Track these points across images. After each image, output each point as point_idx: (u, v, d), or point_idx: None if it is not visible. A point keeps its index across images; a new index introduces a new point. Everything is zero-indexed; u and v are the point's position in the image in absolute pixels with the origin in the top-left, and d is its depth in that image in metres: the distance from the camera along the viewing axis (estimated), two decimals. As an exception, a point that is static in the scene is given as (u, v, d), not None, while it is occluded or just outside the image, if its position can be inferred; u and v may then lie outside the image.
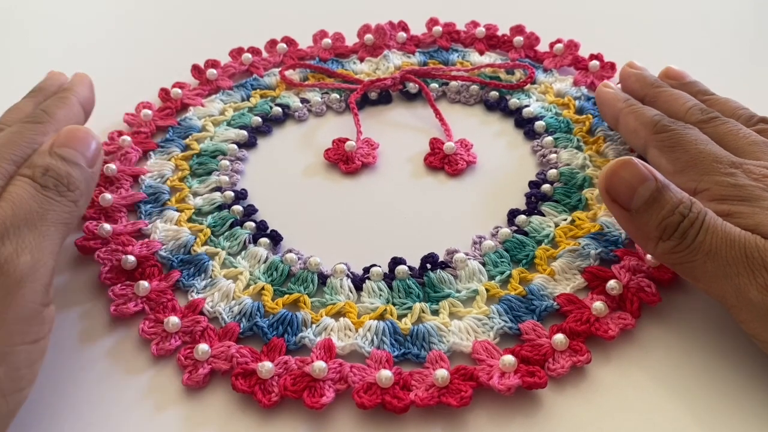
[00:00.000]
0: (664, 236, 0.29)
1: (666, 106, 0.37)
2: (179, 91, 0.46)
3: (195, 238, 0.37)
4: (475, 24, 0.51)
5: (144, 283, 0.33)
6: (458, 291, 0.34)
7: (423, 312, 0.33)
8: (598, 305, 0.31)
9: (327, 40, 0.50)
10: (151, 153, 0.42)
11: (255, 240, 0.37)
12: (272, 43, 0.50)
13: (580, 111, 0.44)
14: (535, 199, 0.38)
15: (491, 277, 0.34)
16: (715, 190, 0.31)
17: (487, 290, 0.34)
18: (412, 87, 0.46)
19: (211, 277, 0.35)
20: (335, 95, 0.46)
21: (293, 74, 0.48)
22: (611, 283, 0.32)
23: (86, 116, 0.38)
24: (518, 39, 0.49)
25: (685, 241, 0.29)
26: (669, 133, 0.34)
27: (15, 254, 0.26)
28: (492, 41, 0.50)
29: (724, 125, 0.35)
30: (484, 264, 0.35)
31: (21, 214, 0.27)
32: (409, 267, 0.35)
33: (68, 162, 0.30)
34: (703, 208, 0.29)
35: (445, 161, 0.41)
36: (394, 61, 0.49)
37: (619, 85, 0.42)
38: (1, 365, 0.25)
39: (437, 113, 0.44)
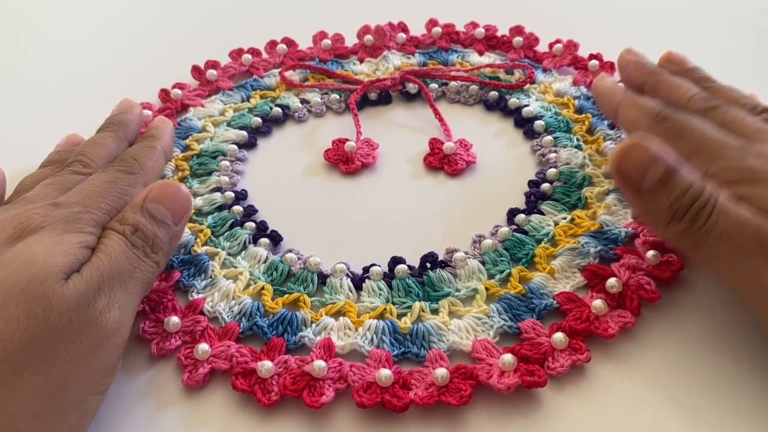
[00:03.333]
0: (675, 218, 0.29)
1: (667, 95, 0.36)
2: (179, 91, 0.46)
3: (195, 239, 0.37)
4: (474, 25, 0.51)
5: (144, 284, 0.33)
6: (458, 290, 0.34)
7: (423, 311, 0.33)
8: (597, 303, 0.31)
9: (327, 41, 0.50)
10: (151, 154, 0.42)
11: (255, 240, 0.37)
12: (272, 44, 0.50)
13: (579, 110, 0.44)
14: (534, 198, 0.38)
15: (491, 276, 0.34)
16: (725, 175, 0.30)
17: (487, 289, 0.34)
18: (412, 87, 0.46)
19: (211, 277, 0.35)
20: (335, 96, 0.46)
21: (293, 75, 0.48)
22: (611, 281, 0.32)
23: (166, 163, 0.39)
24: (517, 39, 0.49)
25: (697, 223, 0.28)
26: (672, 123, 0.33)
27: (107, 308, 0.27)
28: (491, 42, 0.50)
29: (728, 113, 0.33)
30: (483, 263, 0.35)
31: (116, 269, 0.28)
32: (408, 266, 0.35)
33: (157, 221, 0.31)
34: (715, 190, 0.29)
35: (444, 161, 0.41)
36: (394, 61, 0.49)
37: (618, 76, 0.41)
38: (76, 410, 0.26)
39: (437, 113, 0.44)
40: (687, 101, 0.35)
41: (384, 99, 0.47)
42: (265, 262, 0.36)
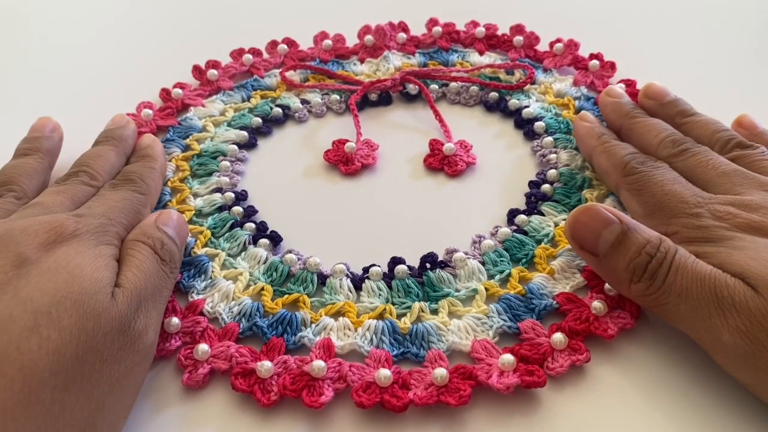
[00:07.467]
0: (634, 278, 0.29)
1: (639, 139, 0.37)
2: (180, 91, 0.46)
3: (195, 240, 0.37)
4: (474, 24, 0.51)
5: (144, 284, 0.33)
6: (457, 290, 0.34)
7: (422, 311, 0.33)
8: (597, 304, 0.31)
9: (327, 41, 0.50)
10: (151, 154, 0.42)
11: (255, 241, 0.37)
12: (273, 44, 0.51)
13: (579, 111, 0.44)
14: (534, 199, 0.38)
15: (491, 276, 0.34)
16: (683, 233, 0.31)
17: (487, 289, 0.34)
18: (412, 88, 0.46)
19: (211, 278, 0.35)
20: (335, 96, 0.46)
21: (294, 75, 0.48)
22: (610, 282, 0.32)
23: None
24: (518, 39, 0.49)
25: (656, 282, 0.28)
26: (637, 176, 0.34)
27: (144, 330, 0.28)
28: (492, 41, 0.50)
29: (694, 157, 0.34)
30: (483, 263, 0.35)
31: (150, 287, 0.29)
32: (408, 266, 0.35)
33: (172, 241, 0.32)
34: (672, 246, 0.29)
35: (444, 162, 0.41)
36: (394, 62, 0.49)
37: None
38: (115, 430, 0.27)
39: (437, 114, 0.44)
40: (657, 146, 0.36)
41: (384, 100, 0.47)
42: (264, 262, 0.36)
